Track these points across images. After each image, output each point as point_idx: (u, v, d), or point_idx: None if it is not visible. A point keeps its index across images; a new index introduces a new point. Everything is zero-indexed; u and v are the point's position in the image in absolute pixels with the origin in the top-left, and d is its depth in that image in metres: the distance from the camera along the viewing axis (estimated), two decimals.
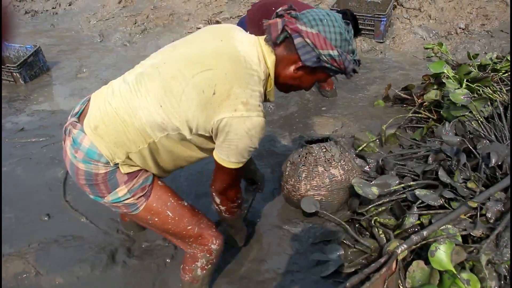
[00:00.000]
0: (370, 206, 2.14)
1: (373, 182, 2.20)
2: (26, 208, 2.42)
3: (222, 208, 1.61)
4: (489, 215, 1.82)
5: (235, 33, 1.39)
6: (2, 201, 2.46)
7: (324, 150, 2.29)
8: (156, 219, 1.50)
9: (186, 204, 1.58)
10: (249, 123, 1.26)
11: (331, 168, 2.25)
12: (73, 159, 1.38)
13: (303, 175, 2.27)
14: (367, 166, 2.59)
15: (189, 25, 5.35)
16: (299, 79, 1.40)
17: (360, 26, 4.55)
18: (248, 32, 3.68)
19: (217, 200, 1.58)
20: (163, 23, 5.38)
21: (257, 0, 3.58)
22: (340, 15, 1.39)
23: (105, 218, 2.30)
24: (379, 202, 2.12)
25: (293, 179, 2.31)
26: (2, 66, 4.19)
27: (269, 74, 1.38)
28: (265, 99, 1.46)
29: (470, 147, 2.24)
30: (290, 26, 1.30)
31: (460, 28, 4.37)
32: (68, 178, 2.66)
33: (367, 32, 4.58)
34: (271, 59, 1.36)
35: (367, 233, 2.13)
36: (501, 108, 2.64)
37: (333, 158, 2.27)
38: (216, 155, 1.37)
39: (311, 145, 2.31)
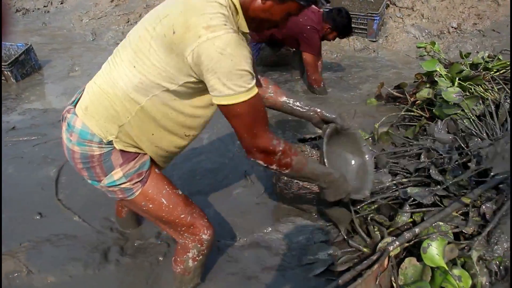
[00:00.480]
0: (363, 204, 2.14)
1: None
2: (18, 207, 2.40)
3: (273, 167, 1.41)
4: (482, 211, 1.83)
5: None
6: (1, 200, 2.45)
7: (316, 148, 2.29)
8: (151, 206, 1.50)
9: (180, 193, 1.58)
10: (218, 42, 1.16)
11: None
12: (69, 143, 1.41)
13: None
14: None
15: None
16: (269, 11, 1.30)
17: (353, 25, 4.58)
18: None
19: (260, 162, 1.39)
20: None
21: None
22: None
23: (98, 217, 2.29)
24: (372, 200, 2.13)
25: (285, 177, 2.31)
26: None
27: (233, 4, 1.29)
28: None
29: (462, 145, 2.25)
30: None
31: (452, 27, 4.41)
32: (61, 177, 2.65)
33: (360, 31, 4.60)
34: None
35: (360, 230, 2.14)
36: (493, 107, 2.66)
37: None
38: (215, 100, 1.26)
39: (303, 143, 2.31)
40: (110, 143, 1.39)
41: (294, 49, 3.83)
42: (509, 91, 2.84)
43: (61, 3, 6.19)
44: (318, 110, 1.89)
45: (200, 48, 1.17)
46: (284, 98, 1.83)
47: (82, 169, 1.45)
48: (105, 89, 1.35)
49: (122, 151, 1.42)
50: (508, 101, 2.71)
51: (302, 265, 2.00)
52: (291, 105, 1.85)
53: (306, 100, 1.93)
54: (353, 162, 2.15)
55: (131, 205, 1.58)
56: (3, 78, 4.17)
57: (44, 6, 6.22)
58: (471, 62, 3.37)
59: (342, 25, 3.33)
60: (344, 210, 2.03)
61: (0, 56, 4.14)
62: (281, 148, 1.37)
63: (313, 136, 2.47)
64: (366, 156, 2.10)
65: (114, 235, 2.18)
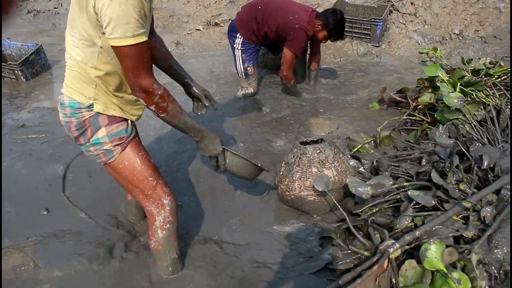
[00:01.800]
0: (365, 207, 2.18)
1: (367, 182, 2.25)
2: (25, 203, 2.45)
3: (152, 108, 1.60)
4: (482, 215, 1.87)
5: None
6: (1, 195, 2.50)
7: (318, 151, 2.33)
8: (127, 163, 1.71)
9: (152, 161, 1.80)
10: None
11: (324, 169, 2.29)
12: (65, 118, 1.65)
13: (297, 176, 2.31)
14: (362, 167, 2.63)
15: (188, 27, 5.40)
16: None
17: (356, 30, 4.63)
18: (239, 32, 3.70)
19: (142, 100, 1.59)
20: (163, 24, 5.43)
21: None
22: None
23: (104, 214, 2.34)
24: (374, 203, 2.16)
25: (287, 179, 2.35)
26: (4, 64, 4.23)
27: None
28: None
29: (463, 150, 2.28)
30: None
31: (454, 33, 4.45)
32: (68, 174, 2.70)
33: (363, 36, 4.64)
34: None
35: (361, 232, 2.17)
36: (494, 112, 2.70)
37: (327, 159, 2.31)
38: (109, 42, 1.42)
39: (305, 146, 2.35)
40: (91, 106, 1.61)
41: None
42: (510, 97, 2.87)
43: None
44: (191, 82, 2.05)
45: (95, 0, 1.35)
46: (170, 63, 2.00)
47: (78, 136, 1.67)
48: (70, 64, 1.58)
49: (103, 114, 1.64)
50: (509, 107, 2.74)
51: (302, 264, 2.04)
52: (174, 68, 2.01)
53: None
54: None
55: (111, 170, 1.76)
56: (13, 77, 4.24)
57: (55, 8, 6.31)
58: (472, 68, 3.41)
59: (333, 24, 3.29)
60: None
61: (0, 56, 4.20)
62: (159, 92, 1.56)
63: (315, 139, 2.52)
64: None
65: (119, 232, 2.23)
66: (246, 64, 3.61)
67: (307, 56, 3.90)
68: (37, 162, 2.86)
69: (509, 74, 3.16)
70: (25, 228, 2.26)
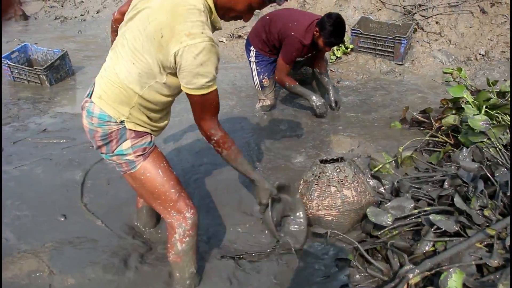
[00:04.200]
0: (384, 230, 2.13)
1: (388, 204, 2.20)
2: (43, 208, 2.47)
3: (212, 144, 1.74)
4: (508, 243, 1.80)
5: None
6: (19, 199, 2.53)
7: (338, 170, 2.29)
8: (148, 175, 1.72)
9: (174, 173, 1.81)
10: (194, 49, 1.44)
11: (343, 189, 2.26)
12: (91, 126, 1.66)
13: (315, 194, 2.28)
14: (382, 188, 2.58)
15: None
16: (233, 1, 1.58)
17: (380, 48, 4.60)
18: (252, 45, 3.65)
19: (205, 138, 1.74)
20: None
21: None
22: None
23: (121, 223, 2.34)
24: (394, 226, 2.11)
25: (305, 197, 2.32)
26: (30, 68, 4.33)
27: (209, 5, 1.57)
28: (215, 29, 1.66)
29: (488, 174, 2.22)
30: None
31: (480, 54, 4.37)
32: (86, 181, 2.72)
33: (386, 54, 4.61)
34: None
35: (379, 255, 2.12)
36: None
37: (346, 179, 2.27)
38: (182, 88, 1.56)
39: (325, 165, 2.31)
40: (122, 122, 1.64)
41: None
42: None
43: (97, 12, 6.41)
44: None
45: (180, 52, 1.44)
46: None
47: (102, 145, 1.69)
48: (113, 80, 1.60)
49: (131, 130, 1.67)
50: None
51: (318, 284, 2.00)
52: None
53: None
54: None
55: (132, 180, 1.77)
56: (38, 81, 4.33)
57: (81, 15, 6.45)
58: (498, 90, 3.33)
59: (327, 30, 3.13)
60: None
61: (0, 51, 4.29)
62: (215, 138, 1.71)
63: (334, 158, 2.48)
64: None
65: (135, 242, 2.22)
66: (261, 76, 3.60)
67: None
68: (57, 168, 2.89)
69: None
70: (41, 233, 2.28)
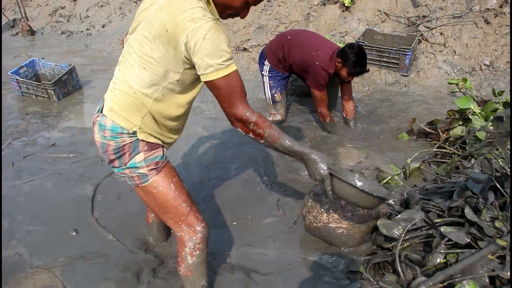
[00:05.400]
0: (395, 242, 2.13)
1: (398, 216, 2.20)
2: (54, 222, 2.49)
3: (250, 135, 1.65)
4: None
5: None
6: (30, 214, 2.54)
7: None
8: (161, 188, 1.72)
9: (185, 188, 1.81)
10: (201, 30, 1.43)
11: None
12: (103, 140, 1.66)
13: (326, 207, 2.29)
14: (392, 200, 2.59)
15: None
16: None
17: (385, 59, 4.63)
18: (266, 58, 3.67)
19: (239, 129, 1.65)
20: None
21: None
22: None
23: (132, 237, 2.35)
24: (405, 238, 2.11)
25: (315, 210, 2.32)
26: (38, 83, 4.38)
27: None
28: None
29: (498, 185, 2.22)
30: None
31: (484, 64, 4.39)
32: (97, 195, 2.73)
33: (391, 65, 4.64)
34: None
35: (390, 267, 2.12)
36: None
37: None
38: (202, 77, 1.52)
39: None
40: (135, 133, 1.65)
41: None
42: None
43: (103, 27, 6.49)
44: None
45: (189, 38, 1.44)
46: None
47: (114, 159, 1.69)
48: (124, 90, 1.62)
49: (144, 141, 1.67)
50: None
51: None
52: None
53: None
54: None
55: (144, 194, 1.77)
56: (46, 96, 4.38)
57: (87, 29, 6.53)
58: (504, 101, 3.35)
59: (350, 60, 3.19)
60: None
61: (0, 65, 4.34)
62: (253, 119, 1.60)
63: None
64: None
65: (147, 256, 2.23)
66: (274, 91, 3.62)
67: (340, 91, 3.82)
68: (67, 182, 2.91)
69: None
70: (53, 248, 2.29)
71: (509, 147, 2.67)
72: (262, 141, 1.67)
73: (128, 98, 1.61)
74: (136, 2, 6.77)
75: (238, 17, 1.70)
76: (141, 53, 1.56)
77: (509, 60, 4.32)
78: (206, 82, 1.53)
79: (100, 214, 2.57)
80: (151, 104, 1.62)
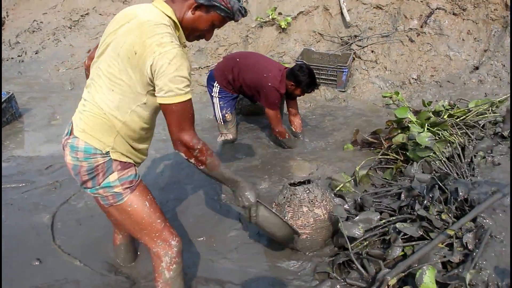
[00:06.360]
0: (356, 241, 2.30)
1: (356, 218, 2.38)
2: (14, 254, 2.38)
3: (191, 161, 1.72)
4: (465, 241, 2.04)
5: (136, 11, 1.66)
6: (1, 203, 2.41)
7: (307, 191, 2.45)
8: (135, 206, 1.76)
9: (158, 204, 1.87)
10: (167, 55, 1.52)
11: (314, 208, 2.42)
12: (76, 161, 1.69)
13: (289, 216, 2.42)
14: (346, 205, 2.78)
15: None
16: (197, 20, 1.70)
17: (323, 77, 4.93)
18: (216, 80, 3.76)
19: (182, 154, 1.70)
20: None
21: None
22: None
23: (100, 261, 2.32)
24: (364, 237, 2.29)
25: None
26: None
27: (174, 21, 1.67)
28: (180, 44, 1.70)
29: (440, 184, 2.49)
30: None
31: (413, 78, 4.83)
32: (56, 223, 2.65)
33: (330, 82, 4.94)
34: (168, 10, 1.66)
35: (354, 265, 2.28)
36: (459, 149, 2.97)
37: (316, 198, 2.44)
38: (160, 99, 1.59)
39: (295, 187, 2.47)
40: (108, 153, 1.68)
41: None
42: (471, 135, 3.17)
43: (36, 53, 6.25)
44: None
45: (155, 61, 1.52)
46: None
47: (87, 180, 1.71)
48: (94, 112, 1.66)
49: (117, 160, 1.71)
50: (471, 144, 3.04)
51: None
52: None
53: None
54: None
55: (118, 213, 1.80)
56: None
57: (18, 56, 6.26)
58: (433, 110, 3.72)
59: (304, 82, 3.45)
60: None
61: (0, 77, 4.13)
62: (199, 147, 1.69)
63: (302, 180, 2.65)
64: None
65: (118, 278, 2.22)
66: (225, 111, 3.72)
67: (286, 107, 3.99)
68: (20, 212, 2.80)
69: (467, 115, 3.49)
70: (17, 280, 2.20)
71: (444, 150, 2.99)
72: (201, 167, 1.76)
73: (99, 119, 1.66)
74: (71, 28, 6.61)
75: (203, 39, 1.81)
76: (110, 74, 1.62)
77: (432, 74, 4.80)
78: (162, 105, 1.60)
79: (63, 241, 2.50)
80: (121, 127, 1.67)
